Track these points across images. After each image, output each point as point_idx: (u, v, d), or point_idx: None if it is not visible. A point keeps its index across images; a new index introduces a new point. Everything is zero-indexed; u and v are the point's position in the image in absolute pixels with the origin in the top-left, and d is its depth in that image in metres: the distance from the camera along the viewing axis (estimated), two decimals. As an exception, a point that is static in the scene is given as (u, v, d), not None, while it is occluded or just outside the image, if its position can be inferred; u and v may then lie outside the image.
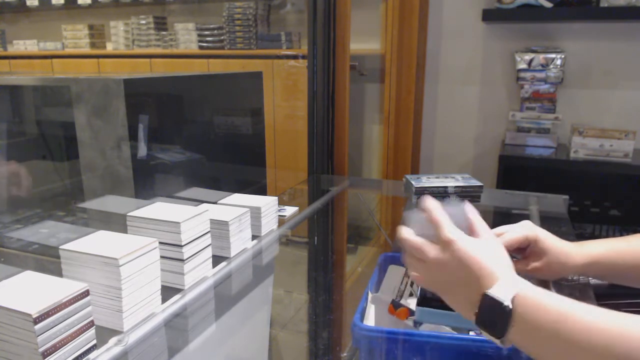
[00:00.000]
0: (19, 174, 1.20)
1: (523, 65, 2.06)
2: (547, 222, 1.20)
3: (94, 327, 0.62)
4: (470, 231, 0.63)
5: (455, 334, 0.70)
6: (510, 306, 0.53)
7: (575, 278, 0.85)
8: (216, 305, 0.83)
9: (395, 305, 0.74)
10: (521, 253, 0.79)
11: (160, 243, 0.76)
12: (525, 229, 0.76)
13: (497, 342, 0.55)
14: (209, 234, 0.86)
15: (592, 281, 0.86)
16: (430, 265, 0.62)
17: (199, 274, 0.85)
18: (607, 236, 1.99)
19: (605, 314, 0.49)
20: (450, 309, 0.63)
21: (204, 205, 0.91)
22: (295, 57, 2.63)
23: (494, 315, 0.54)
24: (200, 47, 3.00)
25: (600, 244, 0.75)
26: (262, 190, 1.40)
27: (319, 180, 1.69)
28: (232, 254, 0.95)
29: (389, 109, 2.30)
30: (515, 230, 0.76)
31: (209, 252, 0.87)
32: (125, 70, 2.99)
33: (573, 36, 2.10)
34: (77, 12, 3.51)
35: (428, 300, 0.69)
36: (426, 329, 0.68)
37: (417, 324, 0.71)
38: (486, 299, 0.55)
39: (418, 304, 0.69)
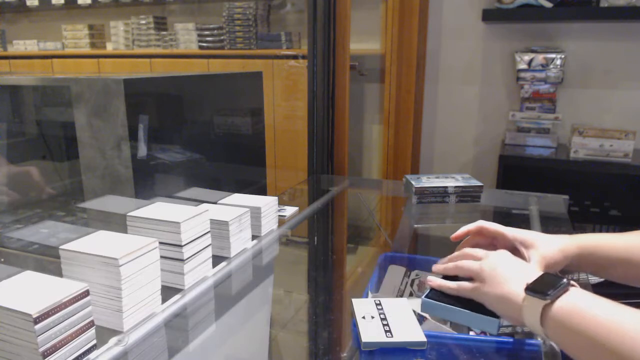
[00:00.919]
0: (30, 174, 1.21)
1: (523, 65, 2.06)
2: (547, 222, 1.20)
3: (94, 327, 0.62)
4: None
5: (455, 334, 0.70)
6: (568, 282, 0.57)
7: (574, 278, 0.85)
8: (216, 305, 0.83)
9: None
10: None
11: (160, 243, 0.76)
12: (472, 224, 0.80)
13: (539, 308, 0.55)
14: (209, 234, 0.86)
15: (592, 280, 0.86)
16: (488, 255, 0.68)
17: (199, 274, 0.85)
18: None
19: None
20: (454, 305, 0.65)
21: (204, 205, 0.91)
22: (295, 57, 2.63)
23: (550, 281, 0.57)
24: (200, 47, 3.00)
25: (590, 236, 0.75)
26: (262, 190, 1.40)
27: (319, 180, 1.69)
28: (232, 254, 0.95)
29: (389, 109, 2.30)
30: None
31: (209, 252, 0.87)
32: (125, 70, 2.99)
33: (573, 36, 2.10)
34: (77, 12, 3.51)
35: (435, 294, 0.70)
36: (426, 328, 0.68)
37: (421, 317, 0.71)
38: (546, 275, 0.60)
39: (425, 297, 0.69)
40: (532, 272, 0.62)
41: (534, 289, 0.57)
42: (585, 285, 0.84)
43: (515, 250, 0.76)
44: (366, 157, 2.68)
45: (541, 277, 0.59)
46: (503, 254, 0.68)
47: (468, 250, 0.73)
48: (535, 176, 2.17)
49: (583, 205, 2.12)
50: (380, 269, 0.89)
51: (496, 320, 0.63)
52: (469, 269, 0.68)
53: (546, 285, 0.57)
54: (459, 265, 0.70)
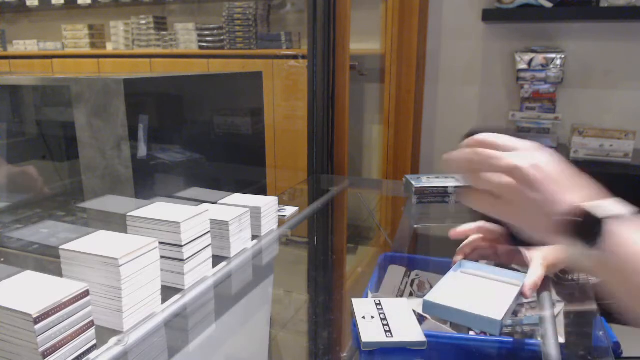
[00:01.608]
0: (29, 174, 1.21)
1: (523, 65, 2.06)
2: (547, 222, 1.20)
3: (94, 327, 0.62)
4: None
5: (455, 334, 0.70)
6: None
7: (575, 278, 0.85)
8: (216, 305, 0.83)
9: None
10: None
11: (160, 243, 0.76)
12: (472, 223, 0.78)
13: (578, 250, 0.50)
14: (209, 234, 0.86)
15: (592, 280, 0.86)
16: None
17: (199, 274, 0.85)
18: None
19: None
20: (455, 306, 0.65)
21: (204, 205, 0.91)
22: (295, 57, 2.63)
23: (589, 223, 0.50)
24: (200, 47, 3.00)
25: None
26: (262, 190, 1.40)
27: (319, 180, 1.69)
28: (232, 254, 0.95)
29: (389, 109, 2.29)
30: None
31: (209, 252, 0.87)
32: (125, 70, 2.99)
33: (573, 36, 2.10)
34: (77, 12, 3.51)
35: (437, 295, 0.70)
36: (426, 328, 0.68)
37: (421, 317, 0.71)
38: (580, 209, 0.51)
39: (427, 297, 0.69)
40: (587, 185, 0.53)
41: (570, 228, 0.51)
42: (585, 285, 0.84)
43: (516, 250, 0.76)
44: (366, 157, 2.68)
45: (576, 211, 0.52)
46: (544, 152, 0.55)
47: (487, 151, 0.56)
48: (535, 176, 2.17)
49: (583, 205, 2.12)
50: (380, 269, 0.89)
51: (498, 321, 0.63)
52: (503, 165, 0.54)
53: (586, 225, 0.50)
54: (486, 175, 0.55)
